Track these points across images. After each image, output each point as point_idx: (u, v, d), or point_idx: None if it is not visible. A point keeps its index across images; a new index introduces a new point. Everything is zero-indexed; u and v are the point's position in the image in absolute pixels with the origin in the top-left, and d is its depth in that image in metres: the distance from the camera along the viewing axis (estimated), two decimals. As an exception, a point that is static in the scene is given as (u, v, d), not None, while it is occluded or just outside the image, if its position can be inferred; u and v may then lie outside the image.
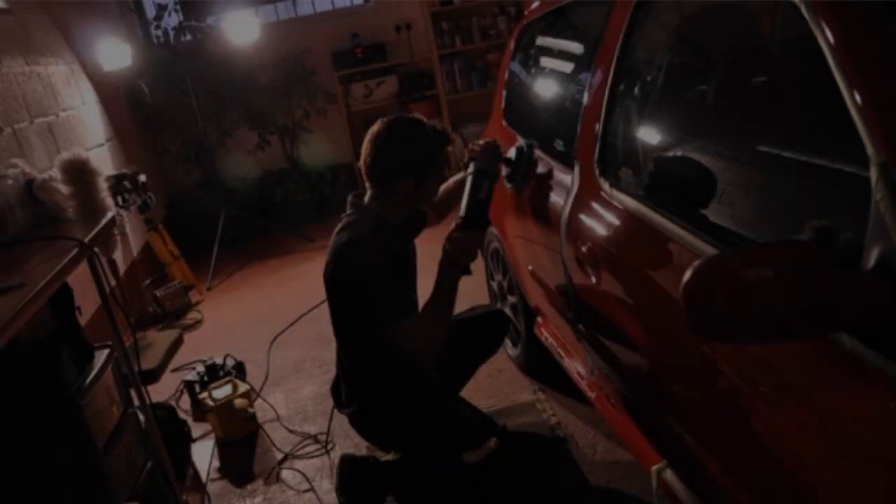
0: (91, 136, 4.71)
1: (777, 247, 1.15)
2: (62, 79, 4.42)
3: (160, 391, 3.66)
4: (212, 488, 2.84)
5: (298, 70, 6.33)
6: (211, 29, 5.75)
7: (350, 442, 2.91)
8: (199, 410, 3.30)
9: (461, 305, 2.43)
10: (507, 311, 3.15)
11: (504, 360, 3.29)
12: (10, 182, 2.27)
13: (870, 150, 1.09)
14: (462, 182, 2.48)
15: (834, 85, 1.15)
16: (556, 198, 2.30)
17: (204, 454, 3.04)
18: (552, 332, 2.70)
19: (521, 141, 2.65)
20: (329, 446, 2.94)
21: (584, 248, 2.00)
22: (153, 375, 3.84)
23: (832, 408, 1.15)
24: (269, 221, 6.14)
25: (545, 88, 2.86)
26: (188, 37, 5.91)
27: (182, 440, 2.89)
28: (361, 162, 2.32)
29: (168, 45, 5.93)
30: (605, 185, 1.99)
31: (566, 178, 2.25)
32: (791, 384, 1.25)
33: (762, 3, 1.54)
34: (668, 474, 1.77)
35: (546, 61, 2.89)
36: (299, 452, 2.95)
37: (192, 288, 5.14)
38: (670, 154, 1.84)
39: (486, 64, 6.61)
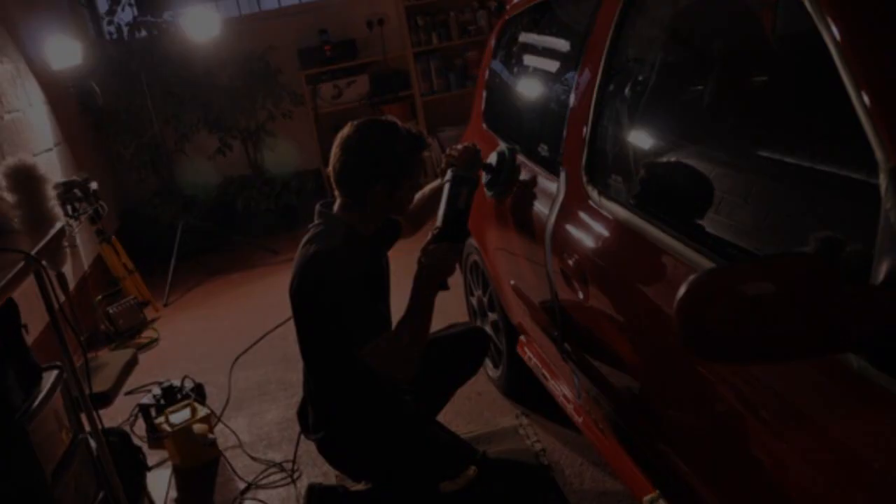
0: (38, 140, 4.66)
1: (779, 260, 1.14)
2: (7, 78, 4.38)
3: (113, 415, 3.64)
4: (168, 522, 2.80)
5: (262, 69, 6.31)
6: (168, 25, 5.76)
7: (318, 470, 2.89)
8: (156, 436, 3.28)
9: (438, 323, 2.41)
10: (488, 329, 3.14)
11: (484, 381, 3.28)
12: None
13: (879, 155, 1.08)
14: (439, 190, 2.47)
15: (840, 85, 1.15)
16: (540, 207, 2.29)
17: (160, 483, 3.01)
18: (536, 351, 2.69)
19: (502, 145, 2.64)
20: (295, 475, 2.91)
21: (570, 262, 2.00)
22: (106, 398, 3.81)
23: (838, 434, 1.14)
24: (230, 232, 6.12)
25: (529, 89, 2.86)
26: (143, 33, 5.90)
27: (137, 468, 2.85)
28: (330, 168, 2.31)
29: (122, 41, 5.91)
30: (594, 193, 1.98)
31: (551, 186, 2.24)
32: (794, 408, 1.24)
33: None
34: (662, 505, 1.76)
35: (530, 60, 2.89)
36: (263, 481, 2.92)
37: (148, 304, 5.10)
38: (664, 160, 1.84)
39: (464, 62, 6.63)
